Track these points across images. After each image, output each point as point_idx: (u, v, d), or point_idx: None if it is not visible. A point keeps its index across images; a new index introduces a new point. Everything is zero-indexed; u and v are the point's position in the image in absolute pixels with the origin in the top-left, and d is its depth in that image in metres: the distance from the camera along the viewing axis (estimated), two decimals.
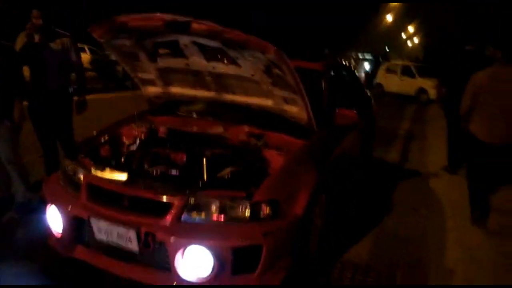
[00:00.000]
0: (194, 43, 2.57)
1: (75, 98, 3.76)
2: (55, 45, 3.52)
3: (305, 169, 2.55)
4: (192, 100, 3.38)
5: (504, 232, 3.31)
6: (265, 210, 2.19)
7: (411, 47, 53.29)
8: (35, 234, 2.86)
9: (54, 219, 2.47)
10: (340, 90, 3.92)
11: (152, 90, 3.29)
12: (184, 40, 2.56)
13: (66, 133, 3.72)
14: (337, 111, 3.20)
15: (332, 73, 3.79)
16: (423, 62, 20.81)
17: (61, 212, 2.40)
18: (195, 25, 2.30)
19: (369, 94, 5.25)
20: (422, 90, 13.61)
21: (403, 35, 53.20)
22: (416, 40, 48.90)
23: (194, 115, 3.29)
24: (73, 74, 3.78)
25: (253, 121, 3.00)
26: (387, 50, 52.50)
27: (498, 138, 3.28)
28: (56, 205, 2.44)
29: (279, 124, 2.93)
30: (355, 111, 3.22)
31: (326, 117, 3.14)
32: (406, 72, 14.78)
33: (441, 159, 5.66)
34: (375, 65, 16.55)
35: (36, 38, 3.42)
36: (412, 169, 5.34)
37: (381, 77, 15.40)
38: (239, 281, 2.15)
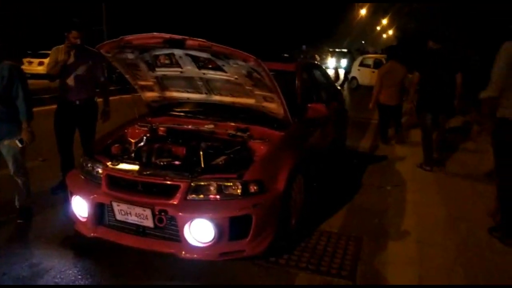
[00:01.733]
0: (187, 55, 3.11)
1: (105, 108, 4.28)
2: (87, 62, 4.00)
3: (284, 155, 3.12)
4: (185, 102, 3.91)
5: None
6: (253, 187, 2.76)
7: (386, 38, 54.54)
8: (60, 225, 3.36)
9: (79, 207, 2.98)
10: (312, 86, 4.52)
11: (150, 95, 3.81)
12: (178, 52, 3.10)
13: (90, 137, 4.15)
14: (309, 105, 3.79)
15: (304, 72, 4.36)
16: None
17: (86, 201, 2.91)
18: (189, 42, 2.85)
19: (339, 88, 5.88)
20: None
21: (378, 28, 54.41)
22: (390, 32, 50.04)
23: (188, 115, 3.82)
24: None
25: (238, 118, 3.57)
26: (363, 43, 53.78)
27: None
28: (80, 195, 2.95)
29: (260, 119, 3.49)
30: (324, 105, 3.81)
31: (299, 111, 3.73)
32: (379, 65, 15.48)
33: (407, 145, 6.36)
34: (349, 59, 17.14)
35: (72, 55, 3.89)
36: (381, 155, 5.98)
37: (355, 71, 16.08)
38: (235, 245, 2.71)
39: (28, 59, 17.91)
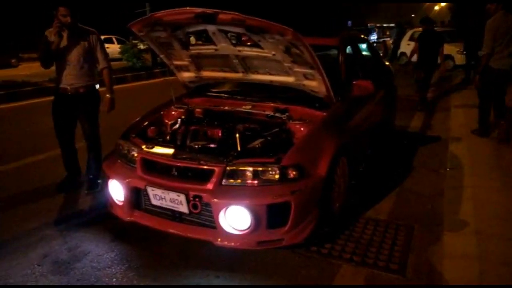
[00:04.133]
0: (221, 30, 2.91)
1: (107, 96, 3.76)
2: (82, 44, 3.55)
3: (326, 137, 2.89)
4: (222, 81, 3.75)
5: None
6: (292, 172, 2.56)
7: (438, 10, 51.39)
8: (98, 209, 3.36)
9: (115, 191, 2.93)
10: (358, 62, 4.19)
11: (186, 75, 3.68)
12: (211, 29, 2.91)
13: (91, 132, 3.75)
14: (354, 82, 3.50)
15: (348, 47, 4.04)
16: (450, 26, 20.18)
17: (122, 184, 2.85)
18: (221, 16, 2.65)
19: (387, 64, 5.47)
20: (446, 57, 13.32)
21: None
22: (442, 3, 47.21)
23: (225, 96, 3.65)
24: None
25: (278, 97, 3.36)
26: (413, 16, 50.99)
27: None
28: (116, 179, 2.89)
29: (301, 99, 3.26)
30: (370, 82, 3.50)
31: (344, 89, 3.45)
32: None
33: (463, 125, 5.85)
34: (398, 34, 16.09)
35: (64, 37, 3.44)
36: (434, 135, 5.54)
37: (405, 46, 15.17)
38: (273, 233, 2.54)
39: None
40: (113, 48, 17.78)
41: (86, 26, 3.68)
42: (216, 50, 3.19)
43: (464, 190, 3.58)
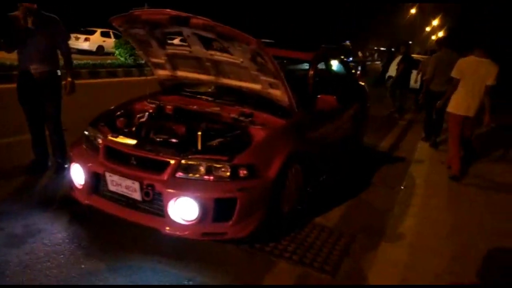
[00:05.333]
0: (195, 34, 3.11)
1: (68, 79, 3.88)
2: (47, 30, 3.64)
3: (280, 143, 3.08)
4: (196, 82, 3.93)
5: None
6: (243, 171, 2.74)
7: (435, 40, 52.42)
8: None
9: (77, 175, 3.08)
10: (329, 78, 4.42)
11: (163, 73, 3.86)
12: (186, 31, 3.11)
13: (54, 115, 3.87)
14: (319, 96, 3.71)
15: (322, 63, 4.26)
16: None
17: (83, 168, 3.00)
18: (193, 20, 2.85)
19: (361, 83, 5.73)
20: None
21: (428, 29, 52.49)
22: (440, 33, 48.23)
23: (197, 96, 3.84)
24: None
25: (246, 102, 3.56)
26: (410, 43, 51.94)
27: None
28: (79, 163, 3.04)
29: (267, 106, 3.46)
30: (335, 98, 3.71)
31: (308, 101, 3.66)
32: (418, 65, 14.87)
33: (429, 148, 6.12)
34: (388, 57, 16.47)
35: (29, 22, 3.51)
36: (400, 156, 5.79)
37: (393, 70, 15.53)
38: (218, 227, 2.72)
39: (75, 35, 18.63)
40: (109, 42, 17.96)
41: (48, 13, 3.75)
42: (190, 52, 3.38)
43: (411, 207, 3.81)
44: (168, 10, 2.86)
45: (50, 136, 3.99)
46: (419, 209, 3.77)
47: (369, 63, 35.58)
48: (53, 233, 2.89)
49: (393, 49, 16.52)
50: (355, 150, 5.42)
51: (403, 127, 8.12)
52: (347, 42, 46.01)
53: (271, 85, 3.30)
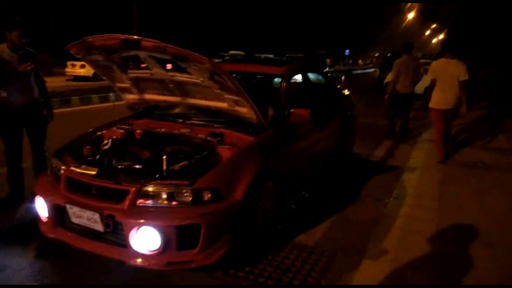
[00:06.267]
0: (151, 56, 3.03)
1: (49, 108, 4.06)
2: (30, 63, 3.71)
3: (248, 161, 2.96)
4: (164, 104, 3.85)
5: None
6: (207, 195, 2.62)
7: (436, 43, 52.37)
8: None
9: (41, 207, 2.98)
10: (304, 91, 4.30)
11: (131, 97, 3.78)
12: (142, 54, 3.03)
13: (41, 142, 4.00)
14: (292, 110, 3.59)
15: (294, 77, 4.16)
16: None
17: (45, 201, 2.91)
18: (144, 43, 2.77)
19: (346, 93, 5.61)
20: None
21: (427, 32, 52.47)
22: (441, 36, 48.21)
23: (168, 118, 3.74)
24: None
25: (217, 121, 3.46)
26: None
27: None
28: (41, 195, 2.95)
29: (238, 124, 3.36)
30: (308, 111, 3.59)
31: (280, 116, 3.55)
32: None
33: (425, 154, 5.95)
34: (385, 64, 16.22)
35: (23, 67, 3.66)
36: (393, 165, 5.61)
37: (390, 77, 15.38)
38: (183, 255, 2.58)
39: (71, 62, 18.78)
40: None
41: (28, 47, 3.87)
42: (151, 74, 3.31)
43: (398, 219, 3.64)
44: (117, 34, 2.79)
45: (35, 167, 4.02)
46: (404, 221, 3.60)
47: (372, 70, 35.39)
48: (17, 270, 2.79)
49: (388, 55, 16.34)
50: (343, 162, 5.27)
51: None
52: (347, 52, 46.20)
53: (236, 103, 3.20)
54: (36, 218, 3.24)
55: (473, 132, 7.63)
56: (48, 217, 2.93)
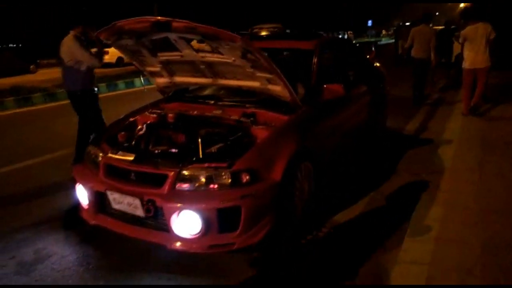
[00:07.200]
0: (181, 38, 2.97)
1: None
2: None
3: (285, 141, 2.90)
4: (196, 86, 3.81)
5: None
6: (245, 177, 2.59)
7: (464, 7, 50.03)
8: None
9: (82, 195, 3.03)
10: (336, 66, 4.17)
11: (161, 80, 3.76)
12: (172, 36, 2.97)
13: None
14: (324, 86, 3.49)
15: (326, 51, 4.01)
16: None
17: (86, 189, 2.95)
18: (174, 24, 2.70)
19: (378, 66, 5.42)
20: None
21: None
22: (461, 4, 46.08)
23: (199, 100, 3.71)
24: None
25: (249, 101, 3.40)
26: (437, 14, 49.79)
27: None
28: (82, 183, 2.99)
29: (270, 103, 3.29)
30: (341, 86, 3.48)
31: (313, 93, 3.45)
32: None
33: (458, 127, 5.74)
34: (445, 34, 14.11)
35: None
36: (427, 138, 5.43)
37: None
38: (224, 237, 2.58)
39: (94, 50, 18.97)
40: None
41: None
42: (181, 56, 3.25)
43: (438, 194, 3.52)
44: (148, 17, 2.74)
45: None
46: (446, 196, 3.48)
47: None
48: (63, 257, 2.85)
49: (400, 24, 15.67)
50: (377, 137, 5.14)
51: (431, 106, 7.66)
52: (369, 23, 44.73)
53: (269, 81, 3.12)
54: (76, 205, 3.32)
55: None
56: (89, 204, 2.97)
